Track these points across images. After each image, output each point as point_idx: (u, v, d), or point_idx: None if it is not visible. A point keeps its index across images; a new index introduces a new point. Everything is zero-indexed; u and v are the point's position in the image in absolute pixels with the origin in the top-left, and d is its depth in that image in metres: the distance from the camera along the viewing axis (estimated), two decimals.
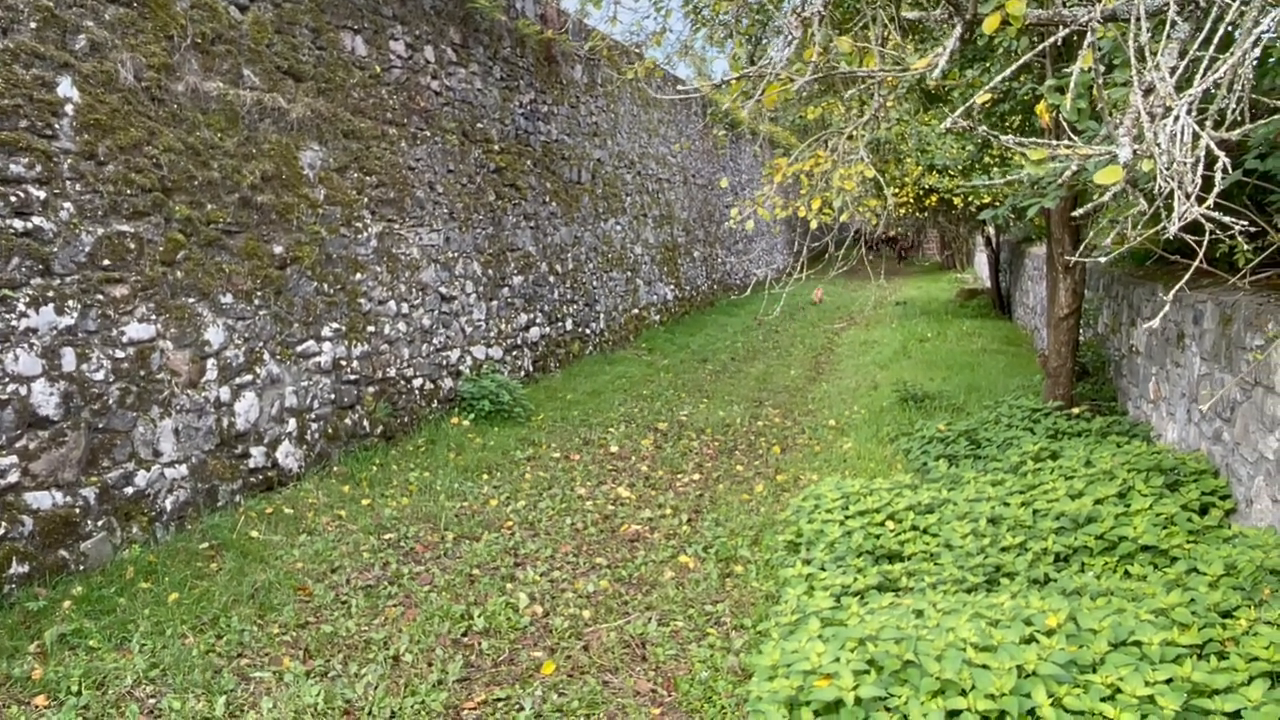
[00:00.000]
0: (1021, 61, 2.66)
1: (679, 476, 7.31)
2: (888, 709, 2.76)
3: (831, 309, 20.24)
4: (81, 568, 4.98)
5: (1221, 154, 2.11)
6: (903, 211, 15.19)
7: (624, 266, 14.78)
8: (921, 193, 14.37)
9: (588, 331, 12.96)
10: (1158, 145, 2.13)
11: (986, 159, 11.08)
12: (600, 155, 14.16)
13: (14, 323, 4.79)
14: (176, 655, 4.13)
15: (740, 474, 7.33)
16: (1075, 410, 6.66)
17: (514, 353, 10.60)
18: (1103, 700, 2.64)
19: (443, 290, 9.10)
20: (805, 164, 4.86)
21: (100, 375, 5.25)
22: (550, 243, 11.92)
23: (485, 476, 7.23)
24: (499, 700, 3.86)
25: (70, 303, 5.10)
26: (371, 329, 7.88)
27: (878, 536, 4.81)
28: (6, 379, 4.73)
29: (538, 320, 11.32)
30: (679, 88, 15.51)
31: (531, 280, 11.23)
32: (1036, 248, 13.15)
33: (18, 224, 4.85)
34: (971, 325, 15.14)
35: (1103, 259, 2.93)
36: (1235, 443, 4.53)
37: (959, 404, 8.72)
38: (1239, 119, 2.57)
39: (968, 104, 2.75)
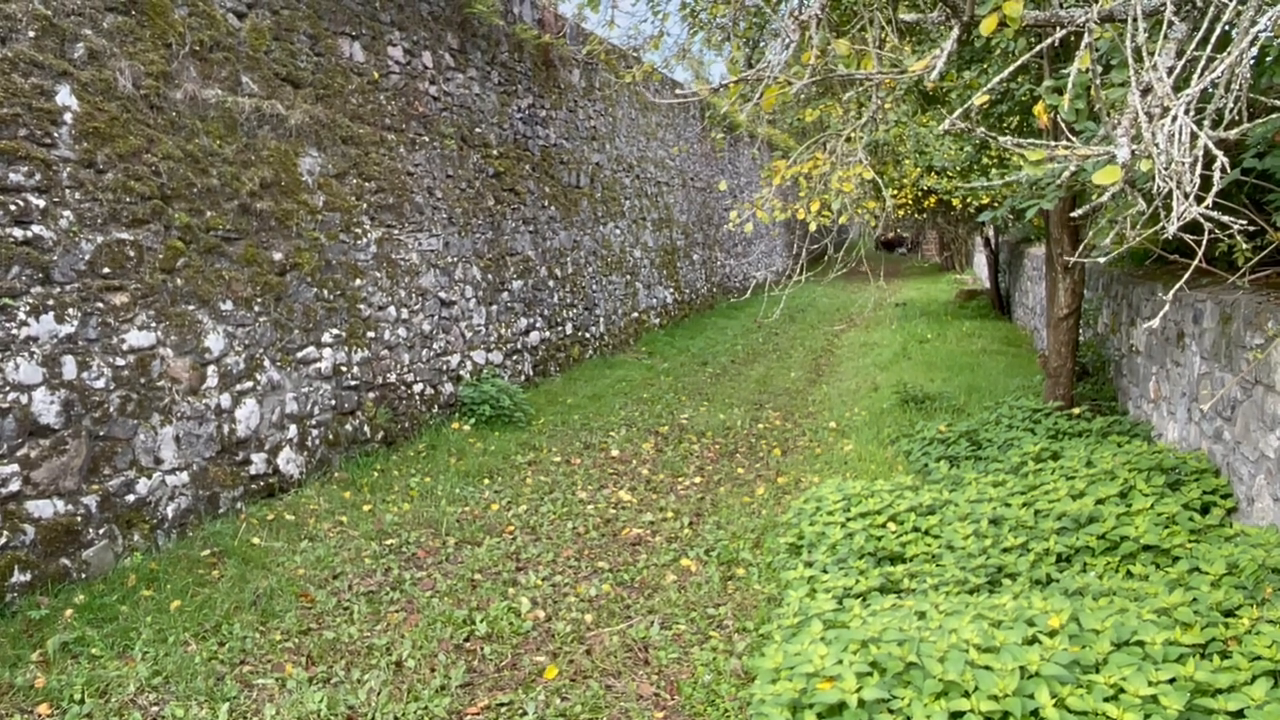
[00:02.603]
0: (1019, 63, 2.67)
1: (680, 480, 7.31)
2: (891, 711, 2.75)
3: (831, 311, 20.24)
4: (83, 576, 4.98)
5: (1219, 153, 2.11)
6: (901, 213, 15.20)
7: (623, 270, 14.78)
8: (920, 194, 14.39)
9: (587, 335, 12.96)
10: (1156, 145, 2.13)
11: (985, 160, 11.09)
12: (599, 159, 14.17)
13: (14, 331, 4.79)
14: (179, 663, 4.13)
15: (741, 477, 7.33)
16: (1076, 410, 6.66)
17: (514, 357, 10.60)
18: (1106, 700, 2.64)
19: (442, 295, 9.10)
20: (804, 166, 4.87)
21: (101, 383, 5.25)
22: (549, 247, 11.93)
23: (486, 481, 7.23)
24: (502, 705, 3.86)
25: (70, 311, 5.10)
26: (371, 334, 7.88)
27: (879, 538, 4.81)
28: (7, 387, 4.73)
29: (537, 324, 11.32)
30: (677, 91, 15.50)
31: (531, 284, 11.23)
32: (1035, 248, 13.16)
33: (17, 232, 4.85)
34: (971, 326, 15.14)
35: (1102, 259, 2.93)
36: (1236, 441, 4.53)
37: (959, 405, 8.72)
38: (1237, 118, 2.57)
39: (966, 105, 2.75)
